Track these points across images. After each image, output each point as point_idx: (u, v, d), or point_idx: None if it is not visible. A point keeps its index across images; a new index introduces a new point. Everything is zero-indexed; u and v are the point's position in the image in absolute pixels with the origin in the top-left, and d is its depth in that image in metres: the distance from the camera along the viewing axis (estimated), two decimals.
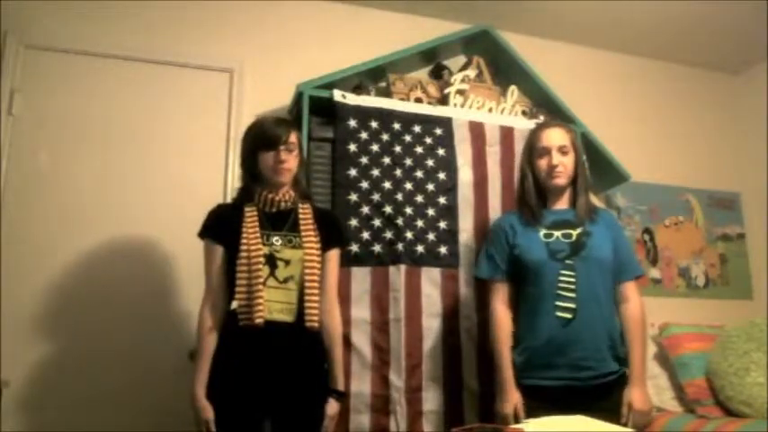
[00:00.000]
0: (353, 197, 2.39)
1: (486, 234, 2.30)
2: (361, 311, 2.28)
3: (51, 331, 2.28)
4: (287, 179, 1.88)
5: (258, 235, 1.80)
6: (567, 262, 1.91)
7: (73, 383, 2.25)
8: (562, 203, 2.04)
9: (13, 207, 2.31)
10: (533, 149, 2.05)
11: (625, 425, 1.81)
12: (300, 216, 1.88)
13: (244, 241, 1.78)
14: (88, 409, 2.24)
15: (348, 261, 2.25)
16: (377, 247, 2.36)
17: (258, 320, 1.73)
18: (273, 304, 1.78)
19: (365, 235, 2.36)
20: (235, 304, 1.78)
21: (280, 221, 1.87)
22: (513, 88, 2.80)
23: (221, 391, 1.77)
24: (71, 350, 2.29)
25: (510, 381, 1.93)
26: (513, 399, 1.90)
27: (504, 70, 2.90)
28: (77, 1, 2.55)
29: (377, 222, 2.39)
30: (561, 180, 2.01)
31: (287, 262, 1.82)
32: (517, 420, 1.83)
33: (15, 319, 2.22)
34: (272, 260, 1.80)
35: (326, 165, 2.43)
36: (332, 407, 1.86)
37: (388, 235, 2.38)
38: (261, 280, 1.76)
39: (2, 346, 2.17)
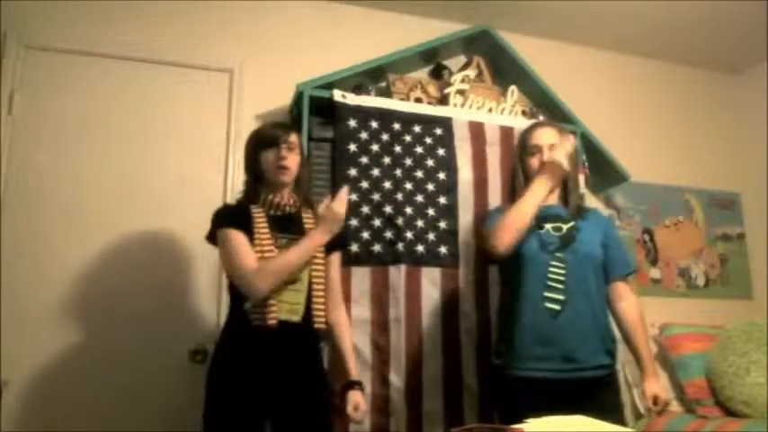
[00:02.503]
0: (353, 197, 2.38)
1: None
2: (361, 311, 2.29)
3: (51, 331, 2.28)
4: (288, 178, 1.89)
5: (269, 236, 1.82)
6: (558, 254, 1.92)
7: (73, 383, 2.25)
8: (552, 199, 2.03)
9: (13, 207, 2.31)
10: (525, 147, 2.07)
11: (659, 413, 1.92)
12: (305, 221, 1.91)
13: (257, 242, 1.80)
14: (89, 408, 2.23)
15: (348, 261, 2.24)
16: (377, 247, 2.36)
17: (271, 321, 1.75)
18: (282, 305, 1.79)
19: (365, 235, 2.36)
20: (247, 305, 1.78)
21: (285, 225, 1.88)
22: (513, 88, 2.80)
23: (228, 390, 1.77)
24: (71, 350, 2.28)
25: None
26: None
27: (504, 70, 2.90)
28: (77, 1, 2.55)
29: (377, 222, 2.39)
30: None
31: None
32: None
33: (15, 319, 2.22)
34: None
35: (326, 165, 2.43)
36: (355, 396, 1.88)
37: (388, 235, 2.38)
38: None
39: (2, 346, 2.17)
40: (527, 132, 2.10)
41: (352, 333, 2.05)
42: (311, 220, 1.92)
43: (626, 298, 2.03)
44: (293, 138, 1.91)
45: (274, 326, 1.75)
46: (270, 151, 1.87)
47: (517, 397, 1.86)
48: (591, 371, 1.88)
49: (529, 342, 1.89)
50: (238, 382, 1.76)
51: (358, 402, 1.88)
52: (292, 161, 1.89)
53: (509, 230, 1.90)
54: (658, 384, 1.95)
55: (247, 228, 1.82)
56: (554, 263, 1.91)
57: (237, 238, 1.80)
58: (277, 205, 1.88)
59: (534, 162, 2.02)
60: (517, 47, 2.89)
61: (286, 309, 1.80)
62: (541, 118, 2.74)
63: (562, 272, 1.90)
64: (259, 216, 1.85)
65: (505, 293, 2.07)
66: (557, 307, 1.88)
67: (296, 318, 1.81)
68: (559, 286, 1.89)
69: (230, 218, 1.86)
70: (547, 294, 1.89)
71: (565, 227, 1.97)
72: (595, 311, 1.93)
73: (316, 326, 1.83)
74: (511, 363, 1.92)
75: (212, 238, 1.88)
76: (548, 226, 1.98)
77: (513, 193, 2.10)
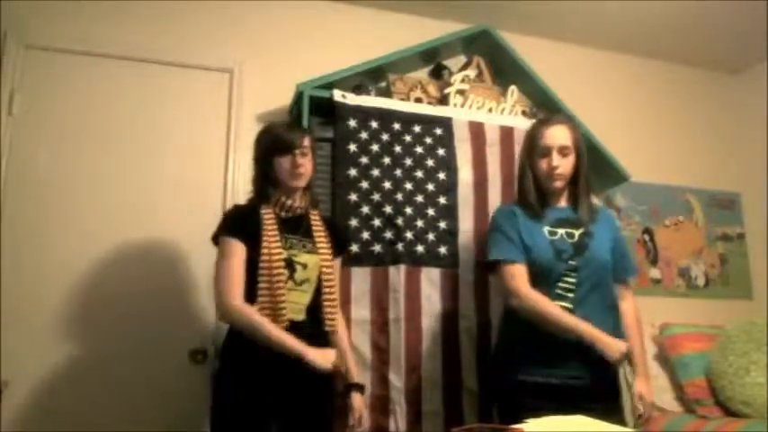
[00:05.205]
0: (353, 197, 2.39)
1: (490, 224, 2.13)
2: (361, 311, 2.29)
3: (51, 331, 2.28)
4: (303, 183, 1.92)
5: (278, 239, 1.83)
6: (571, 263, 1.90)
7: (73, 383, 2.25)
8: (562, 201, 2.02)
9: (13, 207, 2.31)
10: (534, 147, 2.00)
11: (640, 416, 1.84)
12: (312, 222, 1.94)
13: (265, 245, 1.81)
14: (89, 408, 2.24)
15: (348, 261, 2.25)
16: (377, 247, 2.36)
17: (284, 322, 1.77)
18: (290, 305, 1.82)
19: (365, 235, 2.36)
20: (256, 307, 1.79)
21: (294, 226, 1.90)
22: (513, 88, 2.80)
23: (237, 391, 1.77)
24: (71, 350, 2.28)
25: (595, 331, 1.84)
26: (616, 343, 1.83)
27: (504, 70, 2.90)
28: (77, 1, 2.55)
29: (377, 222, 2.39)
30: (560, 183, 1.98)
31: (304, 266, 1.86)
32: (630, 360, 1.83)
33: (15, 319, 2.22)
34: (290, 264, 1.84)
35: (326, 165, 2.43)
36: (357, 400, 1.94)
37: (388, 235, 2.38)
38: (283, 283, 1.80)
39: (2, 346, 2.17)
40: (537, 131, 2.02)
41: (348, 334, 2.09)
42: (318, 220, 1.96)
43: (626, 299, 2.06)
44: (306, 141, 1.91)
45: (286, 327, 1.77)
46: (285, 157, 1.87)
47: (518, 398, 1.85)
48: (599, 377, 1.85)
49: (537, 349, 1.88)
50: (247, 383, 1.77)
51: (361, 409, 1.93)
52: (308, 166, 1.92)
53: (533, 311, 1.88)
54: (647, 386, 1.96)
55: (254, 232, 1.82)
56: (567, 271, 1.90)
57: (233, 258, 1.80)
58: (288, 207, 1.90)
59: (544, 164, 1.97)
60: (517, 47, 2.89)
61: (294, 309, 1.83)
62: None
63: (573, 280, 1.89)
64: (269, 217, 1.86)
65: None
66: None
67: (300, 317, 1.84)
68: (569, 295, 1.88)
69: (236, 224, 1.86)
70: (555, 302, 1.88)
71: (577, 233, 1.95)
72: (604, 318, 1.91)
73: (326, 328, 1.87)
74: (515, 366, 1.91)
75: (217, 239, 1.89)
76: (561, 231, 1.95)
77: (520, 193, 2.04)
